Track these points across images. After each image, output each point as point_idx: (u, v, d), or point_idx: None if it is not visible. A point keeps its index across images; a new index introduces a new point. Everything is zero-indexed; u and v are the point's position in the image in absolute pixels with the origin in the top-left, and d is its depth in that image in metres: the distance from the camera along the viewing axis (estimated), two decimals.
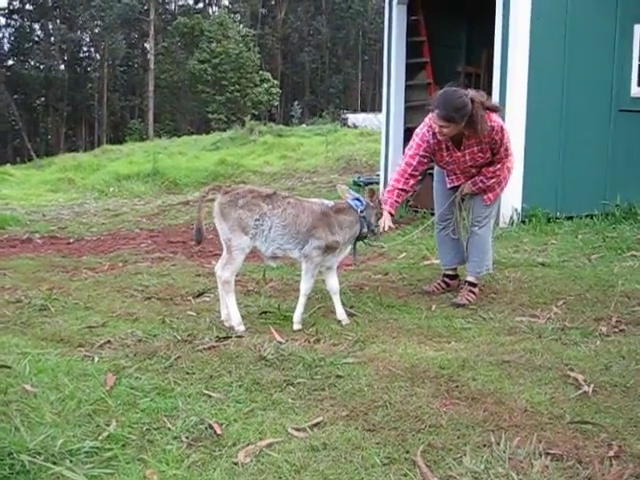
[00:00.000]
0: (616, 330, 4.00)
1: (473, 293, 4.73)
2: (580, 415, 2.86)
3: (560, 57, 7.91)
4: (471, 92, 4.35)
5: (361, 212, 4.29)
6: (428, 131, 4.55)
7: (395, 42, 10.26)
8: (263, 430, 2.74)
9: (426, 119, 4.60)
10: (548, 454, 2.51)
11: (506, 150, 4.61)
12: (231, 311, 4.14)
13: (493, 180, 4.70)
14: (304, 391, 3.13)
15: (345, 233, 4.25)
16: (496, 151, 4.57)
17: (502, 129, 4.48)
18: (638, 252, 5.98)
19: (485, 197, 4.77)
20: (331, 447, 2.60)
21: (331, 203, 4.35)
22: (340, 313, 4.26)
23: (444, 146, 4.62)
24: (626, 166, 8.19)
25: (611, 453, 2.53)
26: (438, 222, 5.05)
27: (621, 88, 8.32)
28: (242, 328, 4.08)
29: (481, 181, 4.70)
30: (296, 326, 4.13)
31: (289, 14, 59.93)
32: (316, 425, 2.78)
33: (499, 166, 4.65)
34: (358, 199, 4.35)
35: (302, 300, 4.20)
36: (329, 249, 4.19)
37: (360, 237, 4.38)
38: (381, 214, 4.46)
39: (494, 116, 4.45)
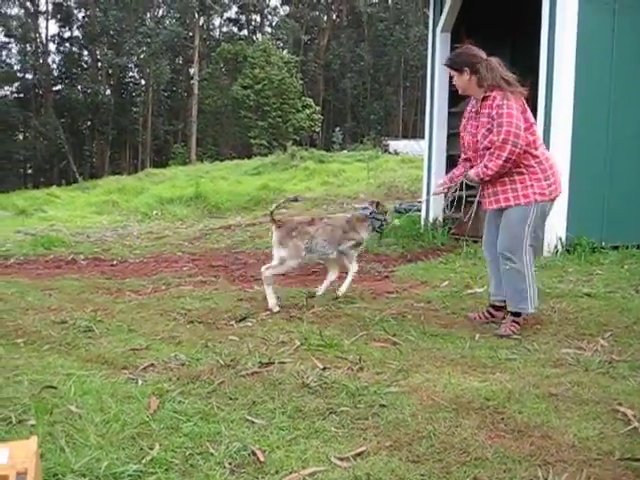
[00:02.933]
0: None
1: (517, 323, 4.63)
2: (630, 452, 2.78)
3: (606, 81, 7.84)
4: (493, 59, 4.64)
5: (370, 214, 5.80)
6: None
7: (438, 70, 10.29)
8: (306, 458, 2.73)
9: None
10: None
11: (499, 133, 4.42)
12: (267, 296, 5.43)
13: (486, 168, 4.55)
14: (347, 420, 3.10)
15: (365, 231, 5.81)
16: (494, 130, 4.48)
17: (503, 106, 4.42)
18: None
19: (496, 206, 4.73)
20: (374, 478, 2.57)
21: (349, 215, 6.04)
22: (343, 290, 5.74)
23: (467, 114, 4.83)
24: None
25: None
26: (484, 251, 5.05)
27: None
28: (277, 309, 5.33)
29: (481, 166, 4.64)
30: (341, 291, 5.73)
31: (331, 41, 60.44)
32: (359, 455, 2.76)
33: (493, 152, 4.47)
34: (366, 207, 5.94)
35: (350, 278, 5.80)
36: (358, 244, 5.81)
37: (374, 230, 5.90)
38: (384, 218, 5.89)
39: (507, 94, 4.47)
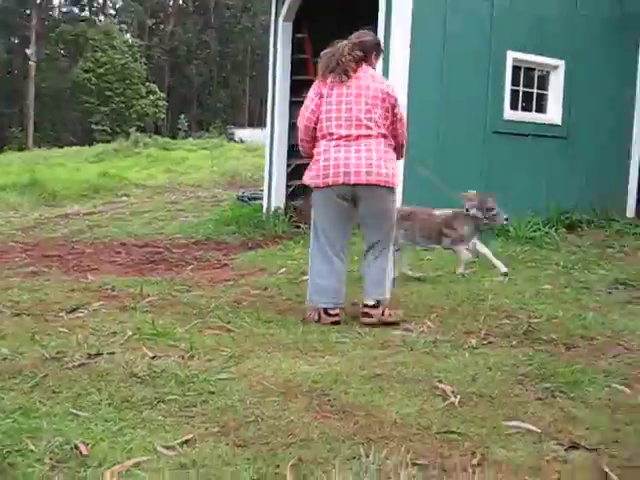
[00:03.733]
0: (484, 342, 4.14)
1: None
2: (447, 425, 2.93)
3: (438, 82, 8.23)
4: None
5: (467, 210, 5.89)
6: None
7: (280, 59, 10.38)
8: (131, 449, 2.66)
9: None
10: (415, 464, 2.56)
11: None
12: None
13: None
14: (175, 408, 3.06)
15: (463, 228, 5.92)
16: None
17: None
18: (508, 268, 6.24)
19: None
20: (200, 464, 2.55)
21: (450, 211, 6.06)
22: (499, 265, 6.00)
23: None
24: (500, 186, 8.55)
25: (474, 461, 2.61)
26: None
27: (495, 111, 8.71)
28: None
29: None
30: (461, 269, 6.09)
31: (177, 26, 59.33)
32: (186, 442, 2.73)
33: None
34: (472, 204, 5.89)
35: (492, 259, 6.02)
36: (458, 240, 5.97)
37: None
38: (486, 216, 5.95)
39: None
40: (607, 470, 2.58)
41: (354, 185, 4.47)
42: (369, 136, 4.47)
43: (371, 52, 4.67)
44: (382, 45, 5.00)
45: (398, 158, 4.81)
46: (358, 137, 4.47)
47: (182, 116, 46.85)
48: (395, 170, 4.59)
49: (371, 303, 4.59)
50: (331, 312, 4.62)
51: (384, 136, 4.51)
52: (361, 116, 4.47)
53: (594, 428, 2.96)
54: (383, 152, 4.49)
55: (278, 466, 2.54)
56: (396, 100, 4.59)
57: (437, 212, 6.09)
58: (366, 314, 4.59)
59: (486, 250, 5.99)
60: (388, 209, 4.61)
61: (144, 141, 24.84)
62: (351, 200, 4.55)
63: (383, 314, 4.55)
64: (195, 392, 3.23)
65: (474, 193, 5.98)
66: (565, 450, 2.75)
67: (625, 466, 2.62)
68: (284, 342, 4.09)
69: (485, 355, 3.87)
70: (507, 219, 6.13)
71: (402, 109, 4.71)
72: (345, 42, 4.63)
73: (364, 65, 4.59)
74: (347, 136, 4.49)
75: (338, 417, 2.99)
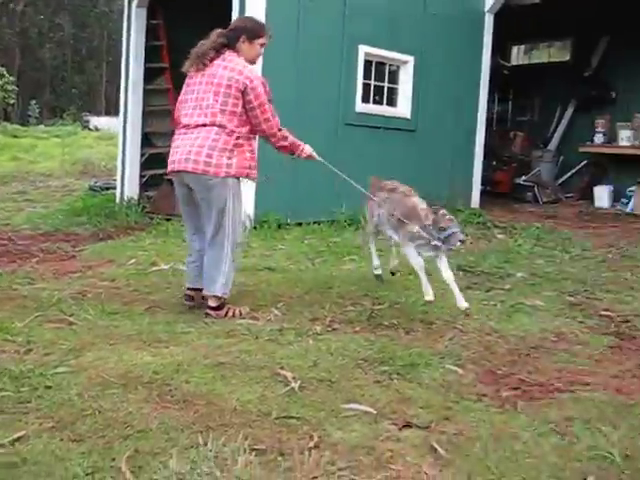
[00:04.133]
0: (329, 329, 4.26)
1: None
2: (286, 410, 3.01)
3: (292, 73, 8.27)
4: None
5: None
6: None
7: (134, 46, 10.13)
8: None
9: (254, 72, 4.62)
10: (253, 449, 2.61)
11: None
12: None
13: None
14: (8, 405, 2.96)
15: None
16: None
17: None
18: (356, 256, 6.42)
19: None
20: (32, 462, 2.49)
21: None
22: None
23: None
24: (351, 177, 8.73)
25: (311, 444, 2.70)
26: None
27: (347, 104, 8.90)
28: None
29: None
30: None
31: (28, 7, 56.44)
32: (17, 440, 2.64)
33: None
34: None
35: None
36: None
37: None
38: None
39: None
40: (436, 446, 2.73)
41: (182, 172, 4.47)
42: (204, 125, 4.43)
43: (237, 38, 4.55)
44: (265, 27, 4.75)
45: (279, 147, 4.73)
46: (196, 126, 4.45)
47: (33, 102, 44.73)
48: (230, 160, 4.40)
49: (213, 304, 4.53)
50: (188, 293, 4.75)
51: (221, 125, 4.41)
52: (204, 104, 4.44)
53: (427, 407, 3.13)
54: (211, 140, 4.38)
55: (114, 459, 2.52)
56: (249, 87, 4.39)
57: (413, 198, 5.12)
58: (208, 315, 4.52)
59: (449, 275, 4.77)
60: (213, 199, 4.41)
61: None
62: (188, 187, 4.53)
63: (226, 315, 4.53)
64: (30, 387, 3.14)
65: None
66: (399, 429, 2.90)
67: (452, 441, 2.79)
68: (128, 333, 4.03)
69: (328, 341, 3.98)
70: (463, 241, 4.69)
71: (263, 97, 4.48)
72: (217, 31, 4.62)
73: (227, 52, 4.53)
74: (187, 125, 4.50)
75: (178, 407, 2.99)
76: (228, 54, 4.53)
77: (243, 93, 4.41)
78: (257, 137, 4.75)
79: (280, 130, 4.65)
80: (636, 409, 3.17)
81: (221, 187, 4.41)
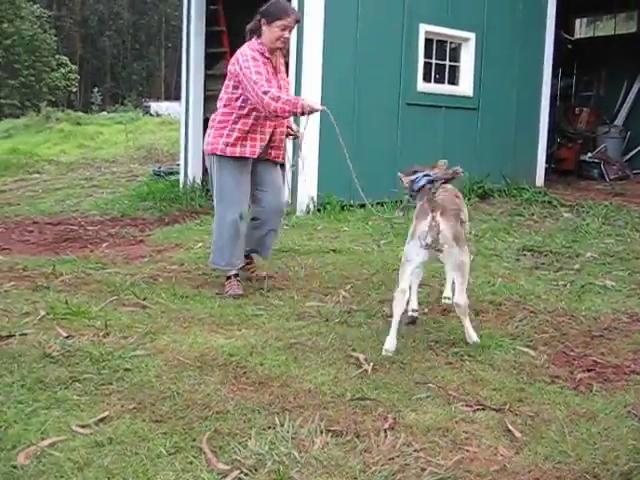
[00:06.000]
0: None
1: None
2: (360, 392, 3.03)
3: (352, 53, 8.25)
4: None
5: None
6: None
7: (194, 31, 10.22)
8: (45, 430, 2.65)
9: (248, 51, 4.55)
10: (329, 431, 2.65)
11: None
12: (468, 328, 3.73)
13: None
14: (90, 387, 3.05)
15: None
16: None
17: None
18: None
19: None
20: (116, 441, 2.56)
21: None
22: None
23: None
24: (413, 157, 8.67)
25: (386, 425, 2.72)
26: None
27: (408, 83, 8.83)
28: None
29: None
30: None
31: None
32: (102, 420, 2.73)
33: None
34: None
35: None
36: None
37: None
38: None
39: None
40: (511, 427, 2.72)
41: None
42: (217, 109, 4.74)
43: (259, 22, 4.58)
44: (287, 11, 4.59)
45: (278, 113, 4.41)
46: None
47: (95, 89, 45.65)
48: (216, 138, 4.64)
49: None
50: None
51: (223, 106, 4.66)
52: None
53: (500, 389, 3.11)
54: (210, 122, 4.75)
55: (194, 439, 2.58)
56: (237, 67, 4.48)
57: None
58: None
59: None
60: (211, 175, 4.79)
61: (56, 116, 24.07)
62: None
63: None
64: (110, 370, 3.23)
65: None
66: (473, 411, 2.89)
67: (527, 423, 2.77)
68: (200, 317, 4.11)
69: None
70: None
71: (245, 74, 4.41)
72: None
73: (249, 40, 4.66)
74: None
75: (254, 388, 3.05)
76: (248, 40, 4.66)
77: (234, 75, 4.56)
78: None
79: (266, 93, 4.34)
80: None
81: (215, 164, 4.71)
